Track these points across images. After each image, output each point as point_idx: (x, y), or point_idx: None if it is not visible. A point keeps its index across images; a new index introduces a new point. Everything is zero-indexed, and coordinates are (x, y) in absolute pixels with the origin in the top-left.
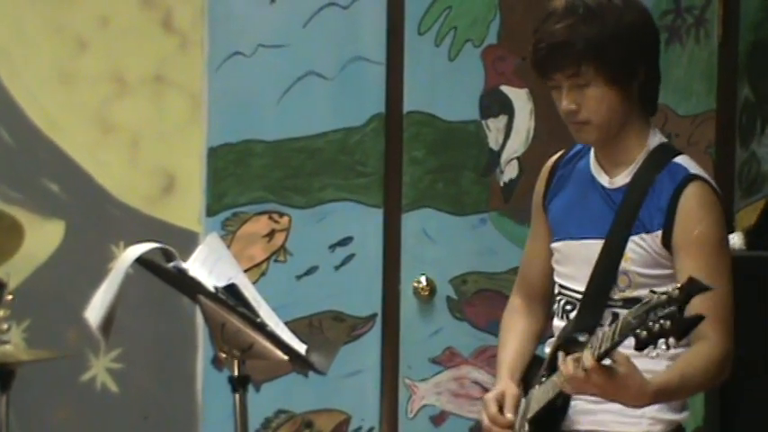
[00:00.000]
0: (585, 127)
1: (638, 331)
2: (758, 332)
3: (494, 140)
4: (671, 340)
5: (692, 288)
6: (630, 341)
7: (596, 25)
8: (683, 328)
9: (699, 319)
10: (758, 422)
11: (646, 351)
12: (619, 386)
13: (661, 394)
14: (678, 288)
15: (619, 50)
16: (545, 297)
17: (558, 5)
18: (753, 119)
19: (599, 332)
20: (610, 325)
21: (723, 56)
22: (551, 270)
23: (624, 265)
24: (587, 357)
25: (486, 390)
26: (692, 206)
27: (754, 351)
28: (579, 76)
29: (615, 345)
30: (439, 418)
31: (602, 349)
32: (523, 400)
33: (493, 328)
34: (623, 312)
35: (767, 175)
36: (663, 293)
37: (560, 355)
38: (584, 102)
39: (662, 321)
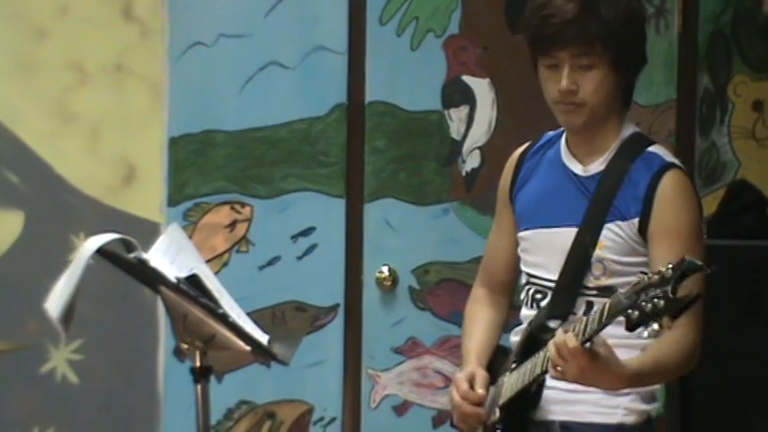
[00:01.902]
0: (580, 109)
1: (629, 312)
2: (717, 321)
3: (456, 130)
4: (665, 321)
5: (686, 267)
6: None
7: (612, 8)
8: (677, 308)
9: (695, 298)
10: (716, 410)
11: (636, 332)
12: (599, 369)
13: (636, 378)
14: (671, 267)
15: (628, 36)
16: (508, 288)
17: None
18: (712, 109)
19: (581, 317)
20: (585, 313)
21: (683, 46)
22: (516, 261)
23: (599, 252)
24: (570, 339)
25: (448, 379)
26: (670, 194)
27: (713, 340)
28: (586, 57)
29: (602, 327)
30: (402, 407)
31: (588, 332)
32: (492, 388)
33: (455, 317)
34: (598, 301)
35: (727, 165)
36: (655, 273)
37: (555, 337)
38: (584, 83)
39: (655, 301)
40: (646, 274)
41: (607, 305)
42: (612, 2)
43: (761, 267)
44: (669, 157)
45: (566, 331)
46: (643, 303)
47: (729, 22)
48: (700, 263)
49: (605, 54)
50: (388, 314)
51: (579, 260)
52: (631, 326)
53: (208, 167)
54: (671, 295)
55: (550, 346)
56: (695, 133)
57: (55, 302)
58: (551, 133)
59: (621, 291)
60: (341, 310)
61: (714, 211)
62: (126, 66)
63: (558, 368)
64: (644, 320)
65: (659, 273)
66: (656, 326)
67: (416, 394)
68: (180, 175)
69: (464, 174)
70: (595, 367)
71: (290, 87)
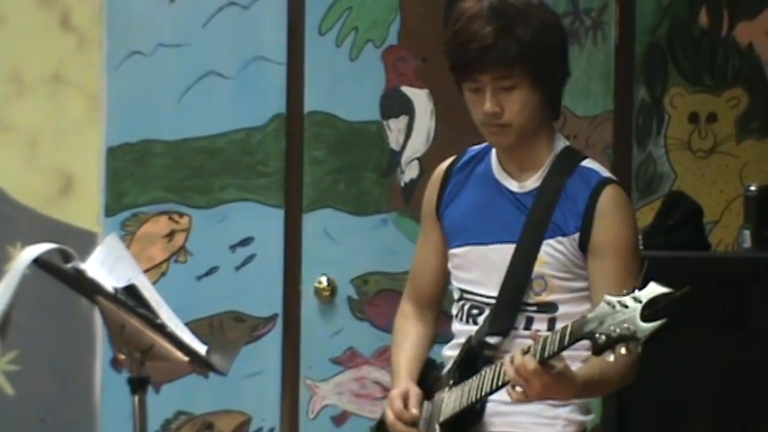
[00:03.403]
0: (506, 130)
1: (596, 336)
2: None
3: (395, 141)
4: (632, 345)
5: (656, 293)
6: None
7: (528, 27)
8: (646, 334)
9: (664, 325)
10: (651, 421)
11: (602, 355)
12: (559, 383)
13: (585, 388)
14: (638, 290)
15: (546, 53)
16: (436, 302)
17: (475, 6)
18: (649, 120)
19: (540, 336)
20: (524, 328)
21: (620, 58)
22: (443, 275)
23: (539, 268)
24: (529, 361)
25: (387, 390)
26: (610, 209)
27: (647, 351)
28: (508, 79)
29: (561, 350)
30: (340, 418)
31: (547, 353)
32: (427, 403)
33: None
34: (538, 316)
35: (663, 176)
36: (619, 299)
37: (506, 359)
38: (508, 104)
39: (624, 326)
40: (611, 297)
41: (569, 329)
42: (527, 21)
43: (696, 278)
44: (605, 171)
45: (524, 353)
46: (611, 328)
47: (665, 35)
48: (668, 288)
49: (526, 74)
50: (326, 324)
51: (519, 276)
52: (598, 350)
53: (146, 177)
54: (640, 321)
55: (509, 369)
56: (632, 145)
57: None
58: (476, 147)
59: (588, 315)
60: (279, 321)
61: (650, 223)
62: (64, 76)
63: (518, 389)
64: (611, 345)
65: (626, 296)
66: (623, 350)
67: (355, 405)
68: (118, 184)
69: (403, 184)
70: (556, 382)
71: (228, 97)
